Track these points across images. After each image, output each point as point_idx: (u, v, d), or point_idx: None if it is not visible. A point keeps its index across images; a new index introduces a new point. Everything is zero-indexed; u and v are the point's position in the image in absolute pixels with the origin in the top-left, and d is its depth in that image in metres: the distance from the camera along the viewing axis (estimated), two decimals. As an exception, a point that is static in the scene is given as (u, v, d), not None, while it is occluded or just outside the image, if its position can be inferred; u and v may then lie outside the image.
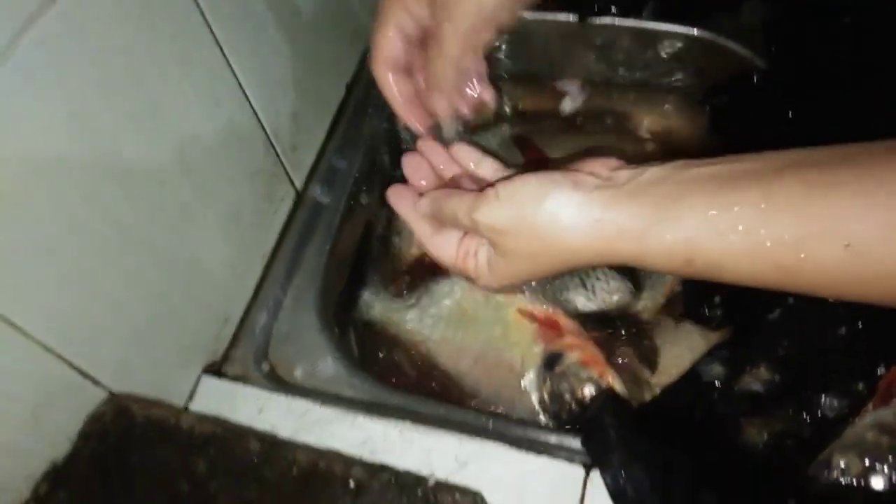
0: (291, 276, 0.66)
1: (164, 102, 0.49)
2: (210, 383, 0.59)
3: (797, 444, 0.54)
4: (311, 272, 0.66)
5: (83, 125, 0.43)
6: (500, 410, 0.65)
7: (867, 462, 0.45)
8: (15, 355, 0.41)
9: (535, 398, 0.64)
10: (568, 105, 0.84)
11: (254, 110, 0.60)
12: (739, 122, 0.73)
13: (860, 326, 0.54)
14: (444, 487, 0.40)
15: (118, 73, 0.44)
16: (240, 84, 0.57)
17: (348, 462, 0.42)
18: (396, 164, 0.80)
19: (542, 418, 0.63)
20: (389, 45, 0.51)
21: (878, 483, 0.45)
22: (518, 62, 0.85)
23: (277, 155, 0.65)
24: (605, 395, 0.56)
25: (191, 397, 0.58)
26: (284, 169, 0.66)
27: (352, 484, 0.41)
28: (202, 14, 0.51)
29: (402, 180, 0.78)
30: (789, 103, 0.68)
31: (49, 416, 0.44)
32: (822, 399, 0.54)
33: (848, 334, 0.55)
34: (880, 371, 0.52)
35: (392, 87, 0.53)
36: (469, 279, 0.49)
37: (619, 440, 0.50)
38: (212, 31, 0.52)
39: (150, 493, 0.43)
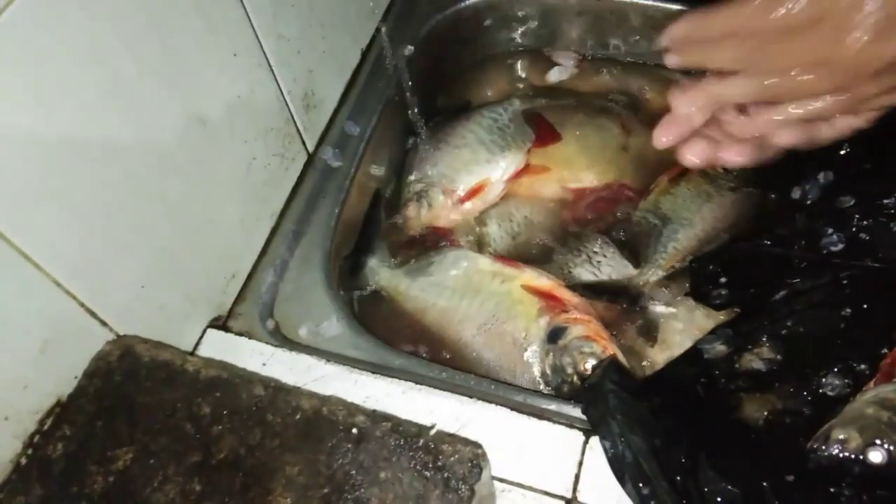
0: (299, 237, 0.66)
1: (183, 52, 0.49)
2: (215, 336, 0.59)
3: (797, 422, 0.54)
4: (319, 234, 0.67)
5: (104, 71, 0.43)
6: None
7: (866, 436, 0.46)
8: (26, 287, 0.41)
9: (537, 370, 0.65)
10: (554, 76, 0.85)
11: (270, 65, 0.60)
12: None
13: (864, 308, 0.54)
14: (446, 437, 0.40)
15: (140, 23, 0.45)
16: (258, 38, 0.57)
17: (351, 410, 0.42)
18: (408, 135, 0.81)
19: (544, 390, 0.63)
20: None
21: (876, 457, 0.45)
22: (523, 40, 0.85)
23: (291, 114, 0.65)
24: (608, 363, 0.56)
25: (195, 349, 0.58)
26: (297, 129, 0.66)
27: (354, 431, 0.41)
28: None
29: (413, 150, 0.78)
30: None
31: (56, 351, 0.44)
32: (824, 378, 0.55)
33: (852, 316, 0.55)
34: (883, 352, 0.52)
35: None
36: None
37: (619, 407, 0.50)
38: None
39: (153, 432, 0.43)
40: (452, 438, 0.41)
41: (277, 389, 0.44)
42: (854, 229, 0.57)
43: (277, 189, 0.66)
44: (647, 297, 0.70)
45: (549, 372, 0.64)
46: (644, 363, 0.67)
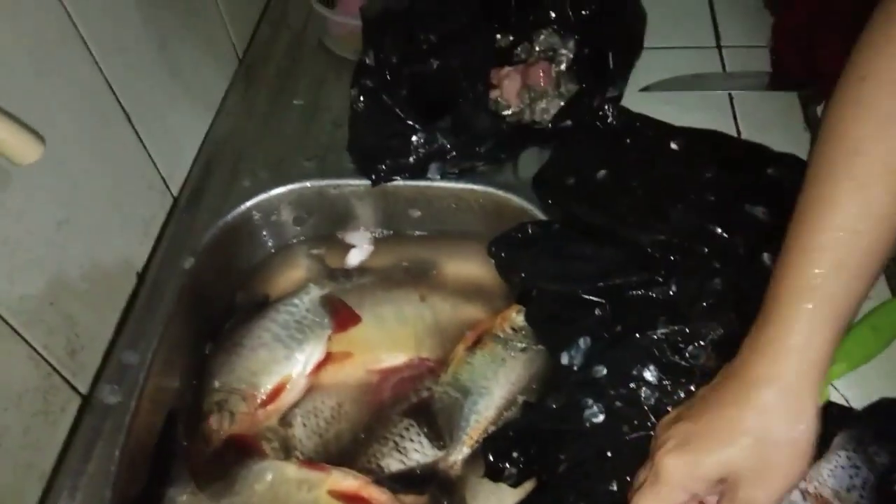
0: (75, 492, 0.62)
1: None
2: None
3: None
4: (98, 484, 0.63)
5: None
6: None
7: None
8: None
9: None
10: (355, 258, 0.87)
11: (14, 330, 0.58)
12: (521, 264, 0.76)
13: (627, 480, 0.56)
14: None
15: None
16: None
17: None
18: (204, 341, 0.80)
19: None
20: None
21: None
22: (314, 227, 0.87)
23: (52, 365, 0.62)
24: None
25: None
26: (63, 377, 0.64)
27: None
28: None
29: (211, 357, 0.77)
30: (562, 246, 0.73)
31: None
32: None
33: (619, 489, 0.57)
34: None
35: None
36: None
37: None
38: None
39: None
40: None
41: None
42: (610, 399, 0.60)
43: (44, 449, 0.62)
44: (453, 478, 0.70)
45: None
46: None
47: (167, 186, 0.80)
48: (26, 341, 0.59)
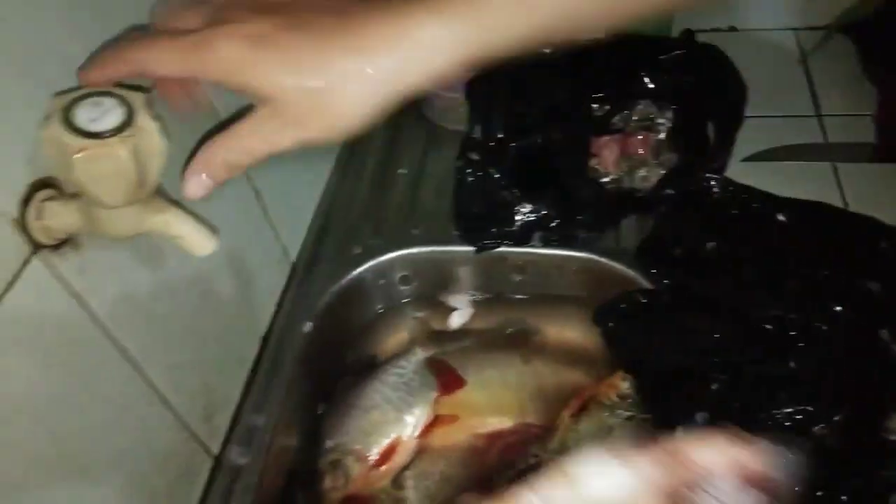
0: (211, 553, 0.66)
1: (74, 427, 0.51)
2: None
3: None
4: (232, 543, 0.66)
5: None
6: None
7: None
8: None
9: None
10: (457, 320, 0.90)
11: (163, 399, 0.62)
12: (630, 334, 0.78)
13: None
14: None
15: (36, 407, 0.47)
16: (160, 398, 0.60)
17: None
18: (318, 401, 0.84)
19: None
20: None
21: None
22: (418, 290, 0.91)
23: (192, 431, 0.66)
24: None
25: None
26: (199, 441, 0.68)
27: None
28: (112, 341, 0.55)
29: (324, 418, 0.80)
30: (673, 317, 0.74)
31: None
32: None
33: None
34: None
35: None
36: None
37: None
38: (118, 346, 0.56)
39: None
40: None
41: None
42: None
43: (184, 507, 0.66)
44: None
45: None
46: None
47: (286, 255, 0.85)
48: (172, 409, 0.63)
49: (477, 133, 0.86)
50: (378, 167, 0.98)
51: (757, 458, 0.38)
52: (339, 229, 0.90)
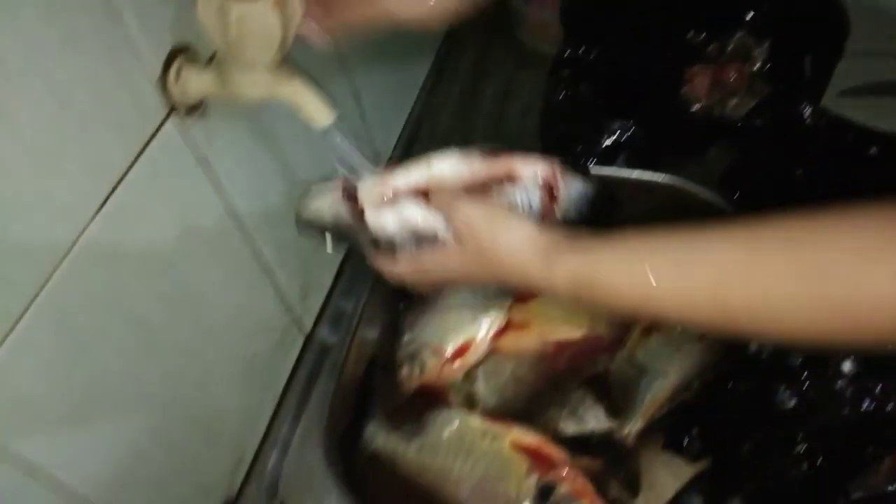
0: (299, 416, 0.72)
1: (193, 283, 0.57)
2: (225, 521, 0.64)
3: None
4: (317, 411, 0.72)
5: (121, 300, 0.50)
6: (495, 541, 0.69)
7: None
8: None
9: (529, 529, 0.68)
10: None
11: (270, 279, 0.67)
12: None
13: (818, 463, 0.58)
14: None
15: (161, 261, 0.53)
16: (266, 270, 0.66)
17: None
18: (398, 300, 0.88)
19: (536, 549, 0.67)
20: None
21: None
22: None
23: (289, 309, 0.72)
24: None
25: (207, 536, 0.63)
26: (294, 318, 0.73)
27: None
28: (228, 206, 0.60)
29: (404, 314, 0.86)
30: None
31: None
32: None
33: (809, 469, 0.59)
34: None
35: None
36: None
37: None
38: (232, 213, 0.61)
39: None
40: None
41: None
42: (803, 387, 0.62)
43: (278, 373, 0.72)
44: (628, 447, 0.75)
45: (540, 529, 0.67)
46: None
47: (378, 161, 0.89)
48: (275, 282, 0.69)
49: (570, 52, 0.87)
50: (467, 84, 1.00)
51: (555, 173, 0.56)
52: (426, 139, 0.94)
